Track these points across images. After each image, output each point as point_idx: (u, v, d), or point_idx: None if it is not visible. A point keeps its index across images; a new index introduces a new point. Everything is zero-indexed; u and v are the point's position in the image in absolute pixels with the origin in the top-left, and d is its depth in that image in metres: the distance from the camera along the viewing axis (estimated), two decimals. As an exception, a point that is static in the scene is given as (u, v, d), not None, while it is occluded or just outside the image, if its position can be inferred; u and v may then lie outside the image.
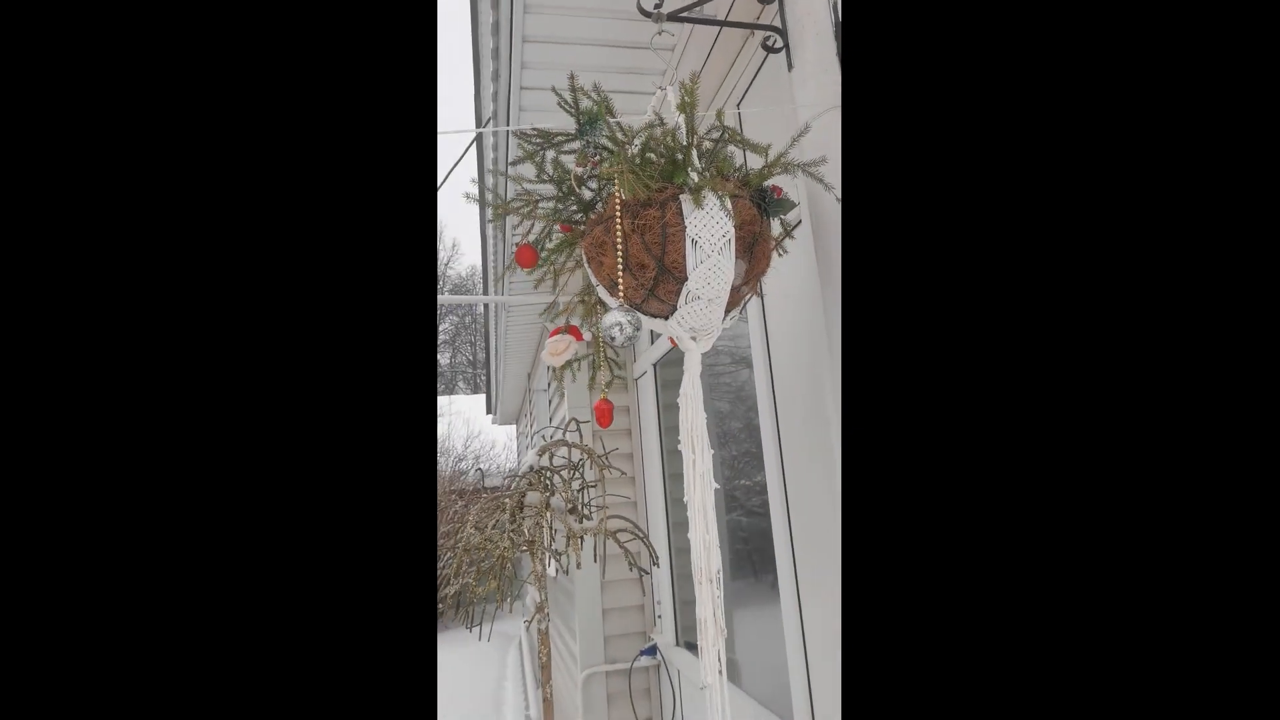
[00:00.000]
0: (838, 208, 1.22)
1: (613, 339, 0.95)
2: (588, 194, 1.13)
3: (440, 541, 7.84)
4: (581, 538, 1.72)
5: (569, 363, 1.26)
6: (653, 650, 3.07)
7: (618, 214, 1.00)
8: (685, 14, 1.31)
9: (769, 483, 1.73)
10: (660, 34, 1.27)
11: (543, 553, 1.71)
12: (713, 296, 1.07)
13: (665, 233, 1.03)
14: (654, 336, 2.91)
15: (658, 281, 1.06)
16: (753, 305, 1.77)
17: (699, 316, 1.10)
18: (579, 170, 1.07)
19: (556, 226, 1.18)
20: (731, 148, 1.13)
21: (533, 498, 1.77)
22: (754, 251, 1.11)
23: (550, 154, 1.09)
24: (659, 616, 3.13)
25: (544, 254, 1.11)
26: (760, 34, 1.63)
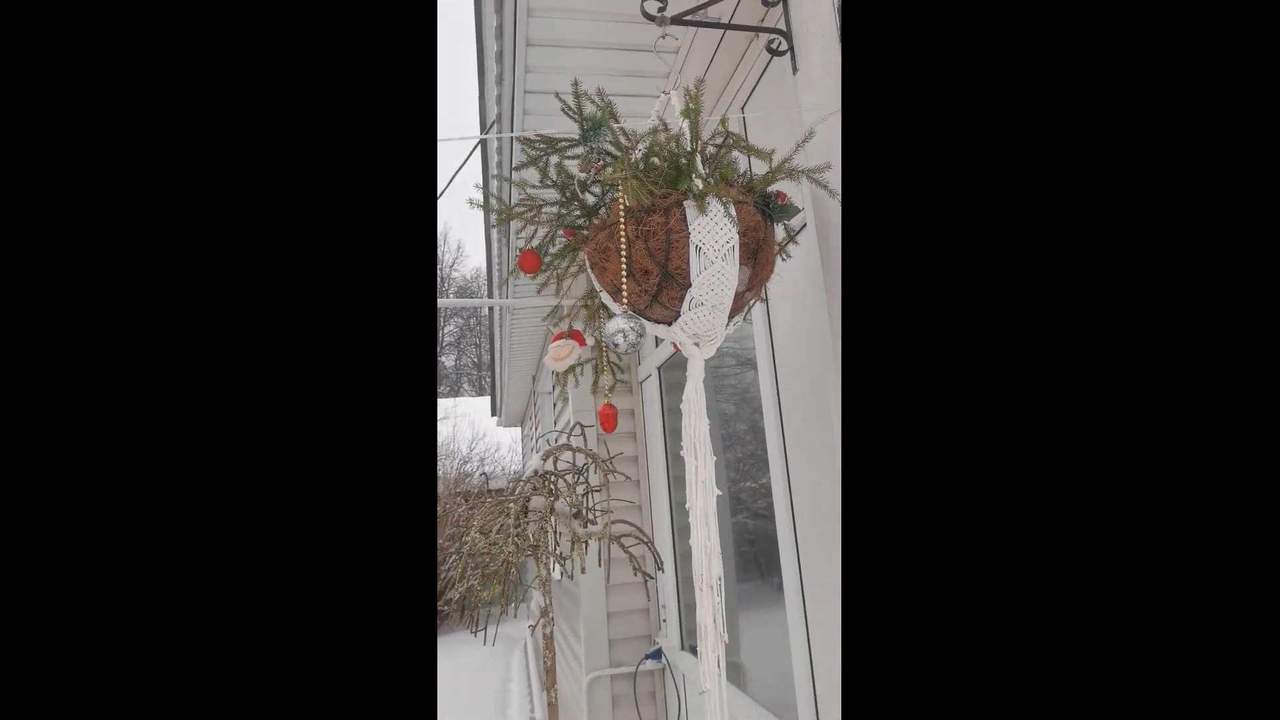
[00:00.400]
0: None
1: (616, 346, 0.95)
2: (591, 199, 1.13)
3: (444, 545, 7.84)
4: (585, 542, 1.72)
5: (572, 368, 1.25)
6: (658, 654, 3.06)
7: (622, 220, 1.00)
8: (689, 17, 1.30)
9: (774, 486, 1.72)
10: (664, 38, 1.26)
11: (547, 557, 1.71)
12: (716, 303, 1.07)
13: (669, 239, 1.02)
14: (658, 341, 2.91)
15: (661, 288, 1.05)
16: (757, 309, 1.77)
17: (702, 323, 1.09)
18: (582, 175, 1.07)
19: (560, 231, 1.18)
20: (735, 153, 1.13)
21: (537, 502, 1.76)
22: (758, 257, 1.11)
23: (554, 159, 1.09)
24: (664, 620, 3.12)
25: (547, 259, 1.10)
26: (765, 37, 1.62)
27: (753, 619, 2.24)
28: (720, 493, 1.11)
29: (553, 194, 1.17)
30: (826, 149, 1.21)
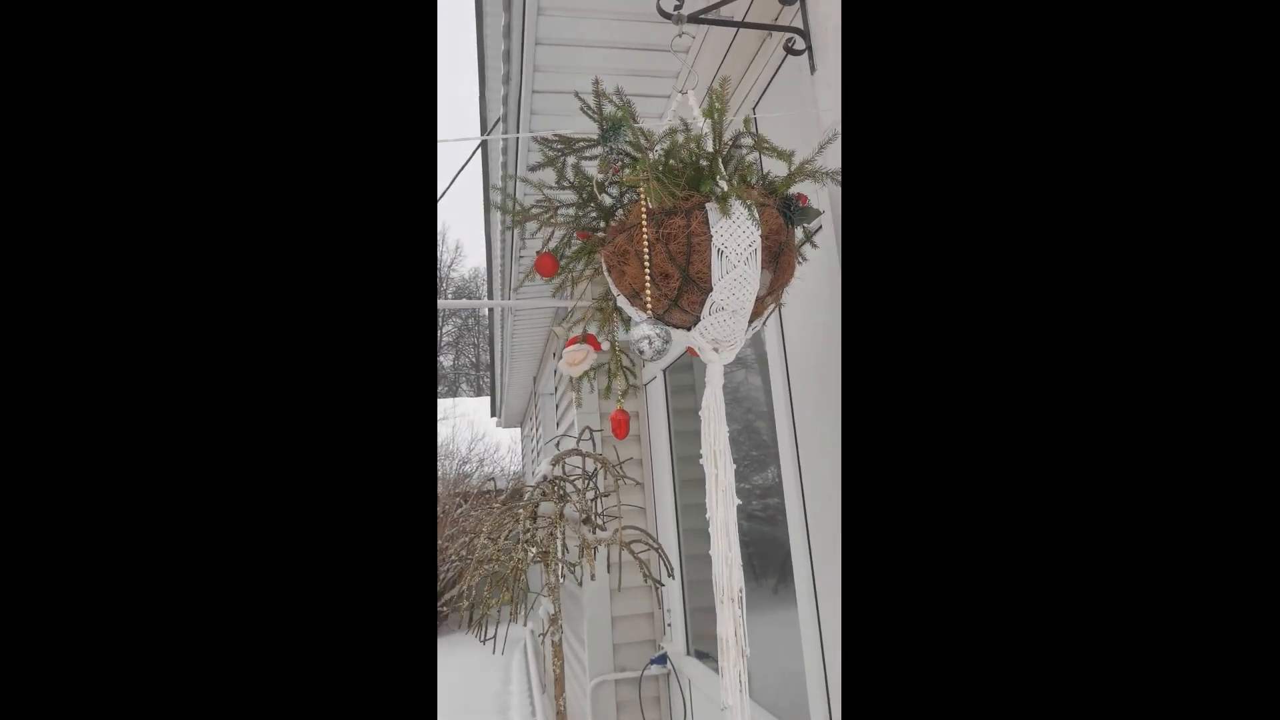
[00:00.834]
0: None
1: (641, 353, 0.92)
2: (608, 200, 1.10)
3: (443, 545, 7.80)
4: (594, 548, 1.69)
5: (587, 373, 1.23)
6: (663, 659, 3.04)
7: (644, 223, 0.97)
8: (705, 15, 1.28)
9: (786, 489, 1.70)
10: (681, 35, 1.24)
11: (556, 564, 1.68)
12: (737, 308, 1.04)
13: (690, 242, 1.00)
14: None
15: (681, 292, 1.03)
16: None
17: (722, 328, 1.07)
18: (600, 176, 1.04)
19: (573, 234, 1.15)
20: (755, 154, 1.10)
21: (546, 508, 1.74)
22: (779, 261, 1.08)
23: (571, 159, 1.06)
24: (669, 625, 3.10)
25: (563, 263, 1.08)
26: (778, 36, 1.60)
27: (759, 625, 2.21)
28: (740, 501, 1.09)
29: (565, 195, 1.14)
30: (847, 150, 1.19)
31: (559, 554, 1.67)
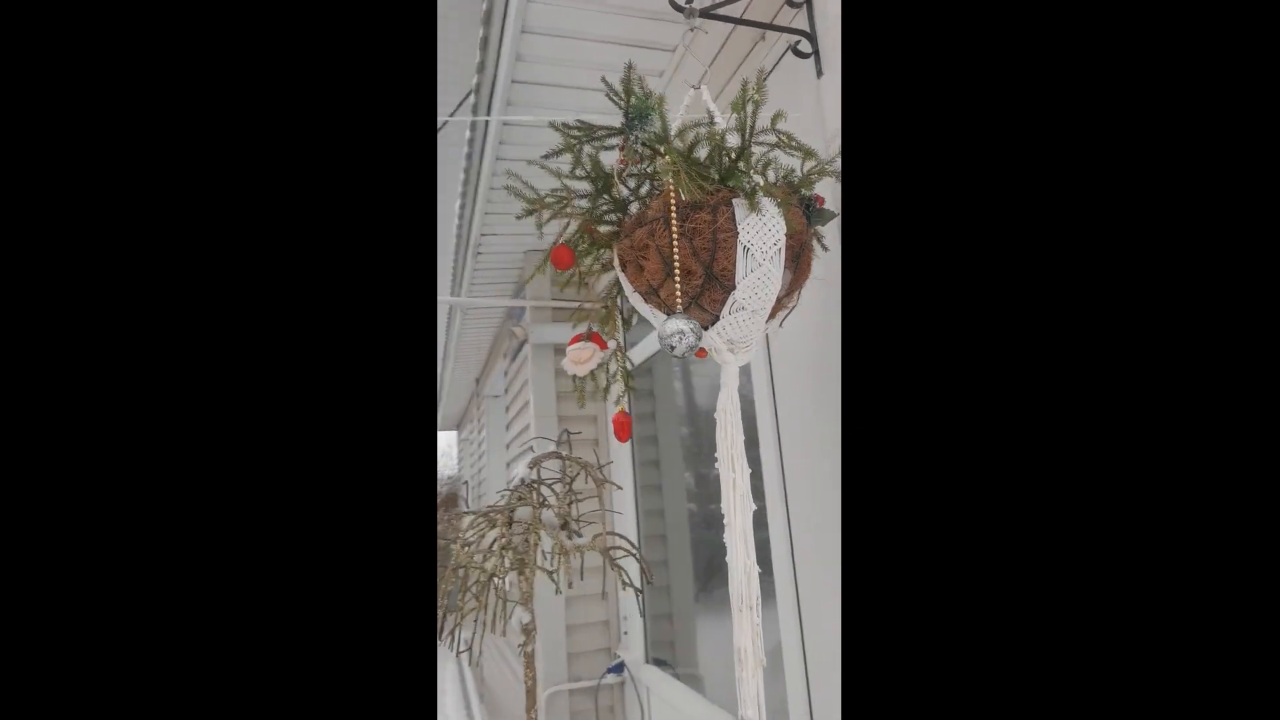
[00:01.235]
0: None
1: (672, 349, 0.88)
2: (624, 191, 1.06)
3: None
4: (569, 555, 1.64)
5: (591, 372, 1.18)
6: (619, 667, 2.98)
7: (673, 216, 0.93)
8: (717, 11, 1.26)
9: (767, 488, 1.69)
10: (692, 30, 1.21)
11: (533, 571, 1.62)
12: (758, 307, 1.02)
13: (716, 238, 0.97)
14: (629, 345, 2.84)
15: (703, 289, 0.99)
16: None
17: (741, 328, 1.04)
18: (619, 166, 1.00)
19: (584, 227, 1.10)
20: (776, 152, 1.08)
21: (523, 513, 1.67)
22: (799, 262, 1.06)
23: (588, 148, 1.01)
24: (625, 633, 3.05)
25: (579, 255, 1.03)
26: (771, 36, 1.59)
27: (709, 625, 2.20)
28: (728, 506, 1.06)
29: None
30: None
31: (535, 561, 1.61)
